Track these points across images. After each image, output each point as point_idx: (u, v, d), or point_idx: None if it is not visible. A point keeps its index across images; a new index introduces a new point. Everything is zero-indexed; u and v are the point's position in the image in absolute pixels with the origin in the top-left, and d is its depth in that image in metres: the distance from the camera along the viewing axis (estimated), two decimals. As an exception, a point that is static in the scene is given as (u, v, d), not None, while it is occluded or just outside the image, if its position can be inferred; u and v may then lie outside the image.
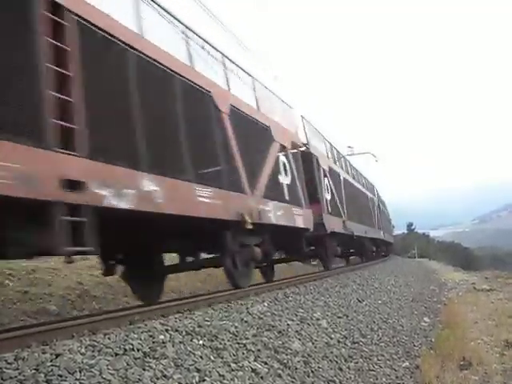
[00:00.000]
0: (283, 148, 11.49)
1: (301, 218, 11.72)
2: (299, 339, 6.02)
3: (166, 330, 4.71)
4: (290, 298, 8.14)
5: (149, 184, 6.07)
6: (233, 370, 4.33)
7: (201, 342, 4.70)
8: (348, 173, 21.99)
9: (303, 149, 13.99)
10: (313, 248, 14.46)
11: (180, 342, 4.49)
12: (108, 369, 3.50)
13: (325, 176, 15.67)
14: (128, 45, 6.16)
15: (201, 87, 7.98)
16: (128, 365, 3.67)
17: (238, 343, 5.03)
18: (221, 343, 4.83)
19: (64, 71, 5.01)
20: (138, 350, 3.99)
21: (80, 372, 3.34)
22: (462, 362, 7.94)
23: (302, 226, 11.73)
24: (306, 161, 13.66)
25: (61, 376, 3.22)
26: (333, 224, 15.07)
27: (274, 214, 10.09)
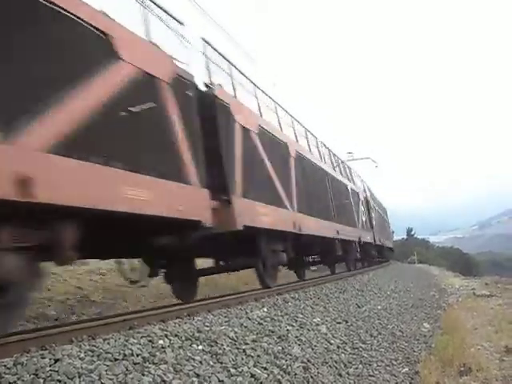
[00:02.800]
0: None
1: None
2: (299, 344, 6.01)
3: (166, 335, 4.71)
4: (290, 304, 8.13)
5: None
6: (232, 376, 4.32)
7: (200, 347, 4.70)
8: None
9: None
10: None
11: (179, 347, 4.48)
12: (107, 374, 3.49)
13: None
14: None
15: None
16: (127, 370, 3.67)
17: (238, 348, 5.02)
18: (220, 348, 4.83)
19: None
20: (138, 355, 3.99)
21: (79, 377, 3.34)
22: (461, 368, 7.91)
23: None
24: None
25: (60, 381, 3.22)
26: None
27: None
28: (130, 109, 6.37)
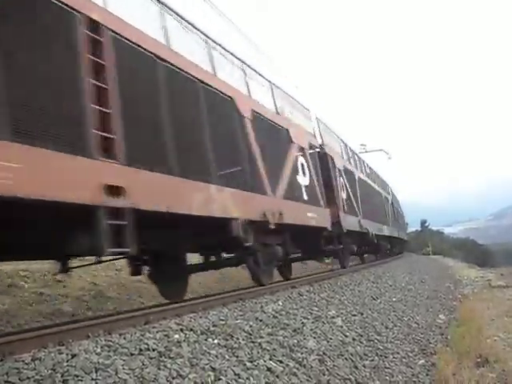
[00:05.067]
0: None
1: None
2: (314, 337, 6.00)
3: (181, 330, 4.72)
4: (305, 297, 8.12)
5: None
6: (248, 369, 4.32)
7: (216, 341, 4.70)
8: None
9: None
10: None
11: (195, 342, 4.49)
12: (124, 368, 3.51)
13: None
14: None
15: None
16: (143, 364, 3.68)
17: (253, 342, 5.03)
18: (236, 342, 4.83)
19: None
20: (154, 350, 4.01)
21: (96, 372, 3.35)
22: (478, 360, 7.87)
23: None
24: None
25: (77, 376, 3.24)
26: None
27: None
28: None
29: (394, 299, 11.10)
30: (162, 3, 7.12)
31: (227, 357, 4.41)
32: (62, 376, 3.21)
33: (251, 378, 4.17)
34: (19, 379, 3.09)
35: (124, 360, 3.66)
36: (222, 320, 5.46)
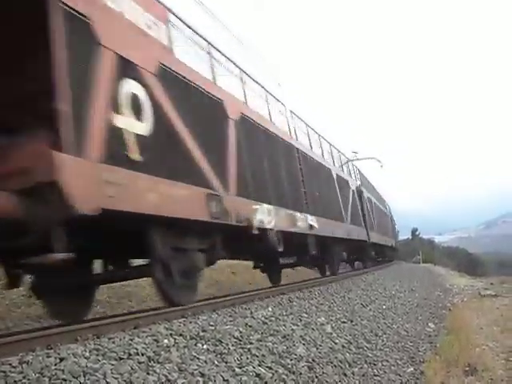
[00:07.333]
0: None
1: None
2: (303, 344, 6.00)
3: (171, 335, 4.71)
4: (295, 303, 8.12)
5: None
6: (237, 375, 4.31)
7: (205, 346, 4.69)
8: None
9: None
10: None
11: (184, 347, 4.48)
12: (112, 373, 3.49)
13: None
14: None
15: None
16: (132, 369, 3.67)
17: (243, 348, 5.02)
18: (225, 348, 4.82)
19: None
20: (143, 355, 3.99)
21: (84, 376, 3.34)
22: (467, 368, 7.88)
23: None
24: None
25: (65, 380, 3.22)
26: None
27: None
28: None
29: (383, 307, 11.11)
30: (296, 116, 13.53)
31: (216, 362, 4.40)
32: (49, 380, 3.19)
33: (240, 384, 4.16)
34: (6, 383, 3.07)
35: (113, 364, 3.64)
36: (212, 325, 5.45)
